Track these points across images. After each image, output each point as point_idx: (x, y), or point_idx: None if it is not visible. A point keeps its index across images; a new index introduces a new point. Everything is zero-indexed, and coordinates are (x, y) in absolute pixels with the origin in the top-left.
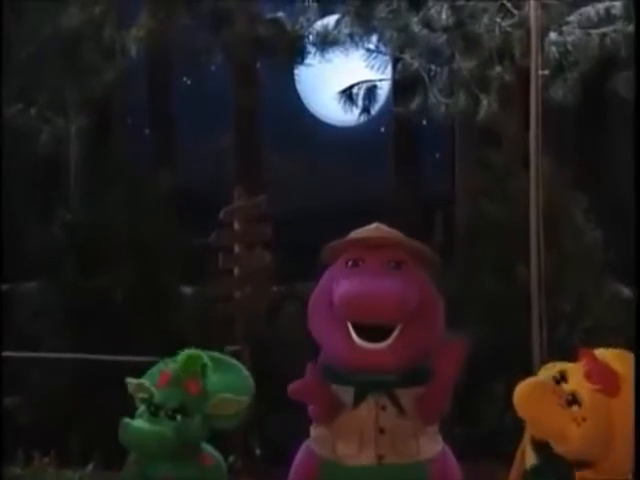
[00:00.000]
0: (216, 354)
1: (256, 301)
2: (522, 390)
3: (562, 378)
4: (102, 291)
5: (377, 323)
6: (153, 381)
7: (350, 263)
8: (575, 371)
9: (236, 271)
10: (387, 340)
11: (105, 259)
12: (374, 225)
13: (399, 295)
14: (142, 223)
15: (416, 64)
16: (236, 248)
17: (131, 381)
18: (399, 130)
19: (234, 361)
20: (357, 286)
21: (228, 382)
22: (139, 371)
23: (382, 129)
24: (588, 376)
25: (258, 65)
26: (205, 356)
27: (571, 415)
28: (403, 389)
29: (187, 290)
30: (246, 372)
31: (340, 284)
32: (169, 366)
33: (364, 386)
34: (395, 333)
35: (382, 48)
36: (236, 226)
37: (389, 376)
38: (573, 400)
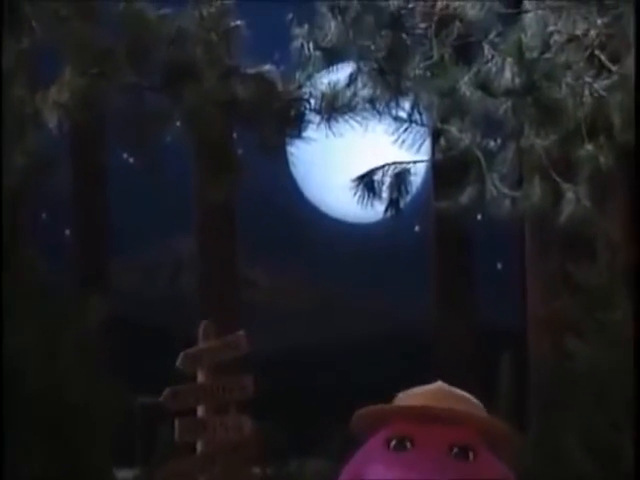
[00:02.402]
0: None
1: None
2: None
3: None
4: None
5: None
6: None
7: (394, 443)
8: None
9: (200, 445)
10: None
11: (7, 427)
12: (436, 385)
13: None
14: (61, 373)
15: (467, 140)
16: (200, 411)
17: None
18: (442, 231)
19: None
20: None
21: None
22: None
23: (416, 229)
24: None
25: (234, 138)
26: None
27: None
28: None
29: (126, 475)
30: None
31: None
32: None
33: None
34: None
35: (417, 117)
36: (201, 378)
37: None
38: None
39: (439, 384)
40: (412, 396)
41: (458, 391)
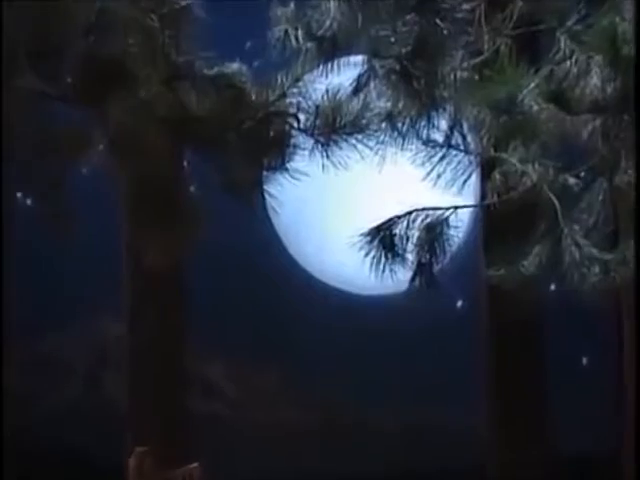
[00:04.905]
0: None
1: None
2: None
3: None
4: None
5: None
6: None
7: None
8: None
9: None
10: None
11: None
12: None
13: None
14: None
15: (534, 175)
16: None
17: None
18: (497, 310)
19: None
20: None
21: None
22: None
23: (459, 305)
24: None
25: (186, 170)
26: None
27: None
28: None
29: None
30: None
31: None
32: None
33: None
34: None
35: (459, 141)
36: None
37: None
38: None
39: None
40: None
41: None
